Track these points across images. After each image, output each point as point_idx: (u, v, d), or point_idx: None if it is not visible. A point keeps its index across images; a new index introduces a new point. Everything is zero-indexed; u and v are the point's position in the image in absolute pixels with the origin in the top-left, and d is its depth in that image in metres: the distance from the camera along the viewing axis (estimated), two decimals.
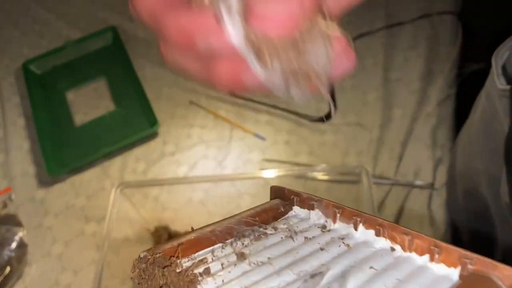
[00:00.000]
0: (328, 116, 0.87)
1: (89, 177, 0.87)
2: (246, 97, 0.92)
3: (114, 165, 0.88)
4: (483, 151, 0.63)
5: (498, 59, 0.58)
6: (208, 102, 0.93)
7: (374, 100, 0.89)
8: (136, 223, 0.74)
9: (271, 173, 0.69)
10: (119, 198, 0.69)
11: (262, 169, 0.83)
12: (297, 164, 0.83)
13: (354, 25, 0.99)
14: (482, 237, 0.69)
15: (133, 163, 0.88)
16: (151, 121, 0.88)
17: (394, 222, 0.79)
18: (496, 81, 0.56)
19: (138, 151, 0.89)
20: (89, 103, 0.96)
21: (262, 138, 0.87)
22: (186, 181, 0.79)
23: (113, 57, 1.00)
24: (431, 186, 0.78)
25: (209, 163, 0.86)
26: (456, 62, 0.92)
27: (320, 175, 0.79)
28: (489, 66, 0.59)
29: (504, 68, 0.58)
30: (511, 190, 0.53)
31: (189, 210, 0.77)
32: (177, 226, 0.77)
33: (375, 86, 0.90)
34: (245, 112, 0.91)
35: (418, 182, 0.78)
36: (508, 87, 0.55)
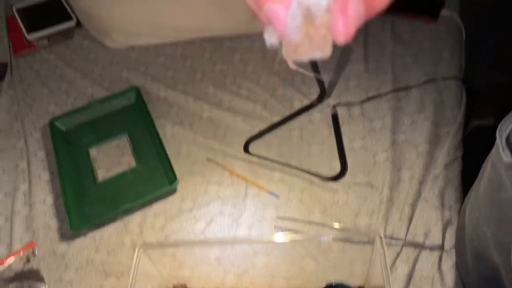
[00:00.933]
0: (339, 176, 0.91)
1: (109, 233, 0.90)
2: (260, 155, 0.96)
3: (134, 221, 0.91)
4: (491, 218, 0.66)
5: (502, 132, 0.61)
6: (224, 160, 0.98)
7: (384, 161, 0.93)
8: (155, 280, 0.76)
9: (283, 237, 0.72)
10: (136, 257, 0.72)
11: (276, 226, 0.86)
12: (310, 223, 0.86)
13: (363, 89, 1.05)
14: None
15: (152, 219, 0.91)
16: (171, 178, 0.92)
17: (405, 283, 0.81)
18: (501, 154, 0.60)
19: (157, 207, 0.93)
20: (111, 159, 1.01)
21: (276, 196, 0.91)
22: (203, 243, 0.82)
23: (135, 116, 1.06)
24: (441, 247, 0.81)
25: (225, 220, 0.89)
26: (462, 125, 0.97)
27: (334, 235, 0.82)
28: (497, 121, 0.62)
29: (508, 140, 0.61)
30: None
31: (205, 268, 0.80)
32: (194, 283, 0.79)
33: (384, 148, 0.95)
34: (260, 169, 0.95)
35: (428, 244, 0.81)
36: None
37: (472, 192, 0.76)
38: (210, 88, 1.12)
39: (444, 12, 1.15)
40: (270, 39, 0.33)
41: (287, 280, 0.80)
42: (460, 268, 0.78)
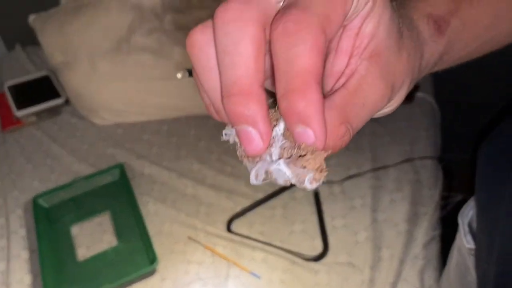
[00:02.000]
0: (321, 256, 0.93)
1: None
2: (243, 235, 0.98)
3: None
4: None
5: (464, 218, 0.64)
6: (206, 238, 0.99)
7: (364, 239, 0.95)
8: None
9: None
10: None
11: None
12: None
13: (344, 167, 1.09)
14: None
15: None
16: (151, 258, 0.93)
17: None
18: (463, 239, 0.62)
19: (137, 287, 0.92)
20: (93, 237, 1.01)
21: (258, 277, 0.91)
22: None
23: (119, 193, 1.08)
24: None
25: None
26: (439, 204, 1.00)
27: None
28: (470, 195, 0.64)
29: (470, 225, 0.63)
30: None
31: None
32: None
33: (365, 226, 0.97)
34: (242, 248, 0.96)
35: None
36: (473, 246, 0.61)
37: (444, 274, 0.78)
38: (194, 164, 1.15)
39: (419, 94, 1.22)
40: (231, 137, 0.31)
41: None
42: None
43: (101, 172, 1.11)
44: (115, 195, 1.08)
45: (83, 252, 0.99)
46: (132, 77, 1.23)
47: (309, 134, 0.25)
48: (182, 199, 1.08)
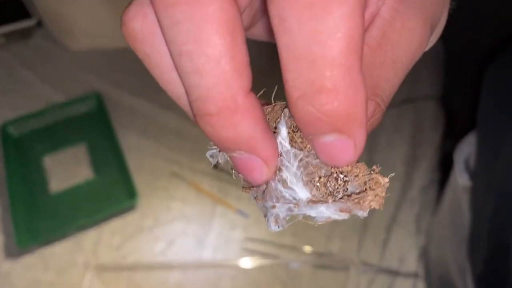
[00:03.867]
0: None
1: (60, 250, 0.84)
2: (230, 171, 0.92)
3: (88, 239, 0.85)
4: (452, 242, 0.65)
5: (459, 154, 0.60)
6: (191, 175, 0.93)
7: None
8: None
9: (251, 262, 0.69)
10: (89, 279, 0.67)
11: (244, 249, 0.82)
12: (281, 246, 0.82)
13: None
14: None
15: (108, 237, 0.85)
16: (131, 193, 0.87)
17: None
18: (458, 177, 0.59)
19: (115, 224, 0.87)
20: (67, 169, 0.95)
21: (246, 215, 0.87)
22: (163, 266, 0.77)
23: (95, 124, 1.00)
24: (415, 274, 0.78)
25: (188, 241, 0.85)
26: (439, 147, 0.96)
27: (304, 259, 0.79)
28: None
29: (467, 162, 0.60)
30: (475, 282, 0.54)
31: None
32: None
33: None
34: (229, 187, 0.91)
35: (403, 271, 0.79)
36: (469, 184, 0.57)
37: (437, 215, 0.75)
38: None
39: None
40: (221, 157, 0.23)
41: None
42: None
43: (76, 100, 1.03)
44: (92, 126, 1.01)
45: (56, 185, 0.93)
46: None
47: (348, 146, 0.18)
48: (166, 132, 1.01)
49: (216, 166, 0.23)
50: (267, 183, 0.21)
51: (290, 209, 0.21)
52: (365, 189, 0.20)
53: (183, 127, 1.01)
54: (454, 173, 0.61)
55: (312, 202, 0.21)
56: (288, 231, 0.84)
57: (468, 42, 1.31)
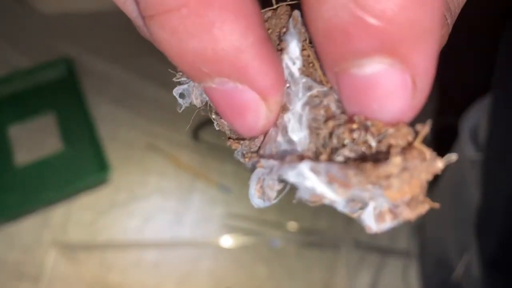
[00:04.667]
0: None
1: (26, 227, 0.78)
2: (212, 143, 0.87)
3: (57, 214, 0.79)
4: (453, 220, 0.61)
5: (466, 124, 0.55)
6: (169, 147, 0.87)
7: None
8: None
9: (232, 240, 0.64)
10: (57, 258, 0.61)
11: (226, 226, 0.77)
12: (265, 222, 0.77)
13: None
14: None
15: (78, 213, 0.80)
16: (102, 165, 0.81)
17: None
18: (464, 149, 0.54)
19: (86, 199, 0.81)
20: (34, 140, 0.88)
21: (227, 190, 0.82)
22: (138, 245, 0.72)
23: (66, 91, 0.93)
24: (406, 253, 0.74)
25: (166, 217, 0.79)
26: (431, 116, 0.91)
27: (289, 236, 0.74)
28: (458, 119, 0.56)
29: (474, 133, 0.55)
30: (482, 264, 0.49)
31: (139, 274, 0.70)
32: None
33: None
34: (210, 160, 0.86)
35: (394, 249, 0.75)
36: (478, 156, 0.52)
37: (435, 192, 0.71)
38: (157, 64, 1.00)
39: None
40: (188, 99, 0.16)
41: (236, 287, 0.72)
42: (422, 276, 0.73)
43: (44, 66, 0.95)
44: (62, 94, 0.94)
45: (22, 157, 0.86)
46: None
47: (403, 81, 0.11)
48: (142, 102, 0.95)
49: (189, 106, 0.16)
50: (265, 133, 0.14)
51: (279, 170, 0.15)
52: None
53: (161, 96, 0.95)
54: (458, 145, 0.56)
55: (299, 158, 0.14)
56: (272, 206, 0.79)
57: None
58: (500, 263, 0.46)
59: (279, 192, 0.15)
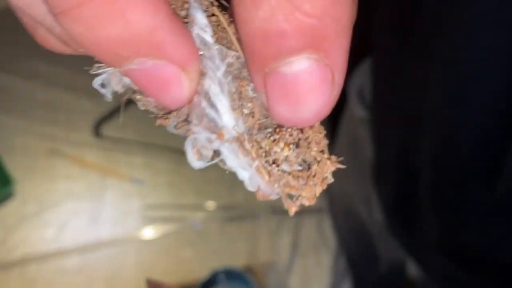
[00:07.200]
0: None
1: None
2: (116, 138, 0.87)
3: None
4: (354, 175, 0.67)
5: (353, 85, 0.60)
6: (71, 149, 0.86)
7: None
8: None
9: (154, 231, 0.66)
10: None
11: (145, 217, 0.79)
12: (184, 207, 0.80)
13: None
14: (368, 255, 0.73)
15: None
16: (4, 180, 0.78)
17: (291, 251, 0.79)
18: (353, 108, 0.59)
19: None
20: None
21: (141, 182, 0.83)
22: (58, 254, 0.71)
23: None
24: (319, 210, 0.81)
25: (81, 220, 0.79)
26: None
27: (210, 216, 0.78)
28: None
29: (360, 93, 0.60)
30: (382, 211, 0.56)
31: (65, 281, 0.70)
32: None
33: None
34: (117, 155, 0.86)
35: (308, 208, 0.81)
36: (366, 114, 0.58)
37: (335, 149, 0.77)
38: (42, 64, 0.96)
39: None
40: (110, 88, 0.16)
41: (166, 275, 0.74)
42: (335, 227, 0.80)
43: None
44: None
45: None
46: None
47: (325, 75, 0.12)
48: (33, 106, 0.91)
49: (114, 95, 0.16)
50: (190, 101, 0.15)
51: (209, 140, 0.16)
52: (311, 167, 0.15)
53: (53, 97, 0.92)
54: (348, 106, 0.61)
55: (239, 141, 0.16)
56: (189, 187, 0.82)
57: None
58: (397, 209, 0.53)
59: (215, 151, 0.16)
